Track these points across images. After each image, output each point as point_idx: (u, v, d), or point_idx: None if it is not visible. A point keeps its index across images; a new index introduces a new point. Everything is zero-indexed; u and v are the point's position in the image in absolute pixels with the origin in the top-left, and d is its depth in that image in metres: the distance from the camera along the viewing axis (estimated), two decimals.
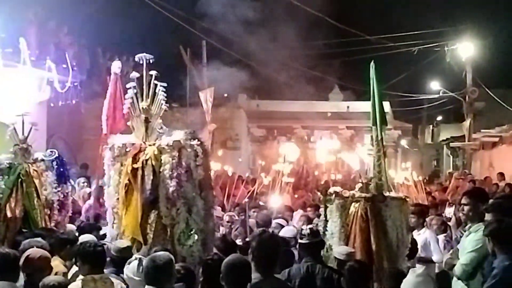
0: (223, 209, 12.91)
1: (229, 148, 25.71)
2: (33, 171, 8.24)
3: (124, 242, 6.61)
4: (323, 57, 30.17)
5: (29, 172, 8.18)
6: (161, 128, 7.38)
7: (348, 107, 31.26)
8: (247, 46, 25.62)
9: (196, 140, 7.21)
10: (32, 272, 5.82)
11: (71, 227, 8.50)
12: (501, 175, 15.88)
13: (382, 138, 8.20)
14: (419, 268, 4.97)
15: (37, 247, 6.12)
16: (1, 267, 5.56)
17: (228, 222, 10.82)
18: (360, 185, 7.57)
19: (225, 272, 5.06)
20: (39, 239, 6.59)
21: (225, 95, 26.08)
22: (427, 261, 9.29)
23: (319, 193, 8.50)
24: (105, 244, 6.73)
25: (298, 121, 31.12)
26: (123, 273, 6.07)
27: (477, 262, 6.40)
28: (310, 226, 7.43)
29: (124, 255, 6.14)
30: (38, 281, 5.76)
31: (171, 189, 6.97)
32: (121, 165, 7.26)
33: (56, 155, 8.80)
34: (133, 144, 7.27)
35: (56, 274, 5.77)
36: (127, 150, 7.24)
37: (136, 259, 5.84)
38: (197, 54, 25.15)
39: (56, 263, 6.16)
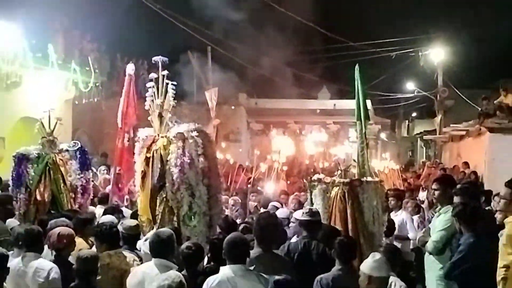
0: (227, 194, 12.90)
1: (231, 141, 25.66)
2: (59, 160, 8.20)
3: (133, 221, 6.58)
4: (313, 61, 30.27)
5: (56, 161, 8.14)
6: (172, 122, 7.36)
7: (334, 104, 31.29)
8: (247, 52, 25.72)
9: (196, 132, 7.18)
10: (62, 248, 5.85)
11: (92, 209, 8.50)
12: (467, 164, 15.92)
13: (365, 132, 8.22)
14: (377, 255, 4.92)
15: (63, 226, 6.12)
16: (27, 241, 5.60)
17: (233, 205, 10.81)
18: (339, 172, 7.61)
19: (227, 248, 5.10)
20: (64, 219, 6.59)
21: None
22: (404, 239, 9.33)
23: (305, 180, 8.54)
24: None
25: (291, 117, 31.15)
26: (135, 249, 6.12)
27: (446, 239, 6.46)
28: (309, 207, 7.46)
29: (132, 232, 6.13)
30: (66, 256, 5.83)
31: (175, 176, 6.91)
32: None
33: (79, 146, 8.77)
34: (152, 136, 7.27)
35: (80, 250, 5.74)
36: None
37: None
38: (203, 59, 25.14)
39: (80, 240, 6.15)
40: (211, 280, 4.92)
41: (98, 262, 5.23)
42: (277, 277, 4.74)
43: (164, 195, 7.06)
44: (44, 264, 5.50)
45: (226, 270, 4.99)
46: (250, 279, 4.91)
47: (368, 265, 4.95)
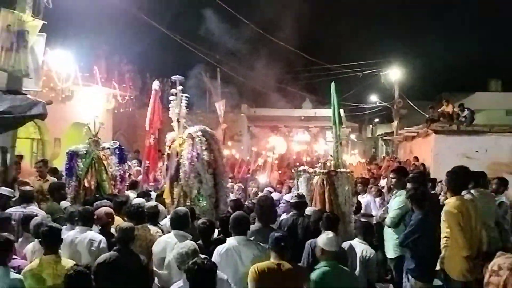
0: (232, 181, 12.89)
1: (235, 140, 25.61)
2: (102, 155, 8.17)
3: (153, 203, 6.56)
4: (298, 79, 30.35)
5: (99, 156, 8.11)
6: (186, 125, 7.40)
7: (315, 112, 31.25)
8: (247, 72, 25.88)
9: (201, 132, 7.18)
10: (106, 223, 5.89)
11: (127, 193, 8.48)
12: (417, 158, 15.92)
13: (339, 134, 8.22)
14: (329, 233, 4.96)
15: (106, 206, 6.14)
16: (82, 217, 5.61)
17: (237, 190, 10.81)
18: (319, 164, 7.62)
19: (232, 223, 5.09)
20: (106, 201, 6.59)
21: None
22: (368, 216, 9.30)
23: (293, 171, 8.55)
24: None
25: (282, 122, 31.13)
26: (157, 224, 6.13)
27: (401, 216, 6.48)
28: (297, 191, 7.48)
29: (152, 211, 6.08)
30: (109, 229, 5.85)
31: (186, 167, 6.98)
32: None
33: (118, 145, 8.76)
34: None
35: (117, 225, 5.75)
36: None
37: None
38: (214, 77, 25.20)
39: (117, 218, 6.13)
40: (220, 248, 4.93)
41: (134, 231, 5.21)
42: (276, 234, 4.70)
43: (179, 182, 7.09)
44: (96, 236, 5.51)
45: (231, 241, 4.98)
46: (250, 247, 4.89)
47: (322, 240, 4.81)
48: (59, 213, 6.47)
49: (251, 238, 5.15)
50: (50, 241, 4.66)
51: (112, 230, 5.85)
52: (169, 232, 5.57)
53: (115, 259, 4.80)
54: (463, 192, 5.89)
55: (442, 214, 5.53)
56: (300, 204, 6.45)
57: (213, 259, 4.75)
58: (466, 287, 5.20)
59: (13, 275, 4.35)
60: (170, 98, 7.53)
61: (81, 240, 5.42)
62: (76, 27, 15.57)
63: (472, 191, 6.36)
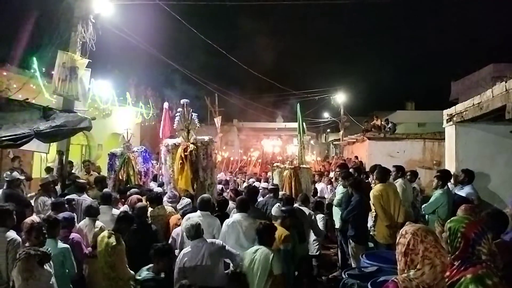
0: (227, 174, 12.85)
1: (229, 145, 25.67)
2: (132, 156, 8.18)
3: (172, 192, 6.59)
4: (274, 101, 30.52)
5: (130, 157, 8.12)
6: (194, 135, 7.37)
7: (285, 125, 31.49)
8: (237, 96, 25.95)
9: (212, 140, 7.22)
10: (135, 205, 5.75)
11: (151, 184, 8.45)
12: (357, 157, 16.01)
13: (302, 140, 8.32)
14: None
15: (136, 194, 6.10)
16: (107, 199, 5.76)
17: (234, 181, 10.80)
18: (288, 162, 7.68)
19: (238, 203, 5.13)
20: (136, 189, 6.56)
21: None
22: (322, 198, 9.40)
23: (269, 166, 8.59)
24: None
25: (262, 132, 31.23)
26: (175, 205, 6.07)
27: (344, 198, 6.48)
28: (272, 182, 7.56)
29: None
30: (137, 211, 5.72)
31: (204, 164, 7.01)
32: (172, 154, 7.15)
33: (144, 149, 8.74)
34: (179, 143, 7.19)
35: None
36: (177, 146, 7.16)
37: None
38: (214, 101, 25.22)
39: (144, 202, 6.08)
40: (228, 220, 4.93)
41: (147, 210, 5.30)
42: (282, 207, 5.10)
43: (196, 175, 7.03)
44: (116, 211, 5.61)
45: (236, 216, 4.97)
46: (249, 221, 4.86)
47: (273, 209, 5.19)
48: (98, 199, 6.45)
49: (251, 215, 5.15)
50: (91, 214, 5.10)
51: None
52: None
53: (136, 228, 4.89)
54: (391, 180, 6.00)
55: (370, 196, 5.63)
56: (274, 190, 6.51)
57: (222, 229, 4.84)
58: (389, 248, 5.26)
59: (61, 245, 4.30)
60: (176, 114, 7.54)
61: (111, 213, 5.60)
62: (113, 63, 15.46)
63: (391, 180, 6.45)
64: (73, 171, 8.59)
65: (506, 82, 4.94)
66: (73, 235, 4.80)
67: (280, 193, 6.65)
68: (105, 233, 4.46)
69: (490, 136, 6.58)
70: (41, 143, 6.66)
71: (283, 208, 5.14)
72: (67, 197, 6.11)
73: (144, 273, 3.99)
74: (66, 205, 5.52)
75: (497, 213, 3.09)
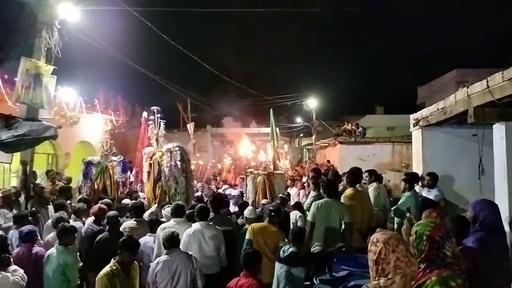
0: (200, 181, 12.73)
1: (202, 152, 25.40)
2: (110, 165, 7.99)
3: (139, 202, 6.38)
4: (247, 107, 30.59)
5: (107, 166, 7.94)
6: (164, 142, 7.26)
7: (259, 130, 31.55)
8: (210, 102, 25.86)
9: (177, 147, 7.11)
10: (99, 214, 5.50)
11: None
12: (329, 161, 16.24)
13: (276, 145, 8.35)
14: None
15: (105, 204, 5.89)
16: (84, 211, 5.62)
17: (202, 187, 10.65)
18: (262, 168, 7.68)
19: (197, 212, 5.05)
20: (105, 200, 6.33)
21: None
22: (297, 202, 9.41)
23: (243, 172, 8.57)
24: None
25: (235, 137, 31.16)
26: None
27: (315, 200, 6.49)
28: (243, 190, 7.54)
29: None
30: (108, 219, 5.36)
31: (166, 172, 6.87)
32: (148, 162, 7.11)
33: (122, 158, 8.49)
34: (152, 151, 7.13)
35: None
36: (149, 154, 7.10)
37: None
38: (186, 107, 25.05)
39: (114, 211, 5.83)
40: (189, 230, 4.86)
41: (118, 218, 5.23)
42: (270, 207, 5.16)
43: (160, 184, 6.94)
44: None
45: (196, 225, 4.92)
46: (210, 229, 4.86)
47: (246, 211, 5.45)
48: (65, 209, 6.20)
49: (210, 223, 5.12)
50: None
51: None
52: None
53: (107, 237, 4.82)
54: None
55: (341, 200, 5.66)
56: (282, 199, 6.69)
57: (183, 239, 4.73)
58: (363, 252, 5.28)
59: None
60: (149, 122, 7.42)
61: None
62: (80, 69, 15.02)
63: (363, 184, 6.53)
64: (37, 181, 8.23)
65: (467, 87, 5.13)
66: (37, 249, 4.59)
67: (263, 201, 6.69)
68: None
69: (454, 140, 6.83)
70: (3, 153, 6.38)
71: (271, 208, 5.17)
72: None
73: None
74: (30, 218, 5.29)
75: (459, 218, 3.17)
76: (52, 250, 4.35)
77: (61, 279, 4.15)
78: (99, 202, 6.07)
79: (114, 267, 3.78)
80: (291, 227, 5.71)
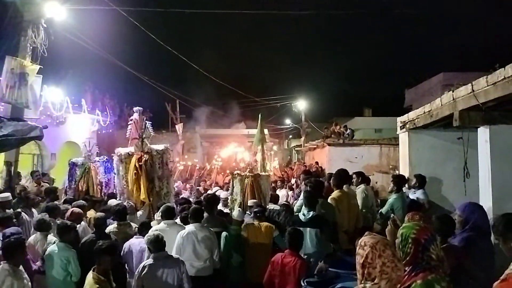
0: (189, 182, 12.64)
1: (191, 152, 25.22)
2: (93, 166, 7.90)
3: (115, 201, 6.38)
4: (237, 108, 30.60)
5: (90, 167, 7.85)
6: (149, 144, 7.14)
7: (248, 132, 31.53)
8: (199, 103, 25.81)
9: (168, 149, 7.05)
10: (74, 219, 5.19)
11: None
12: (317, 162, 16.29)
13: (264, 147, 8.36)
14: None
15: (79, 206, 5.78)
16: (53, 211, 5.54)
17: (190, 189, 10.59)
18: (249, 169, 7.66)
19: (191, 214, 5.08)
20: (79, 202, 6.14)
21: None
22: (285, 204, 9.41)
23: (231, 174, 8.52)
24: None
25: (225, 138, 31.07)
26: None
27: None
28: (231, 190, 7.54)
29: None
30: (95, 221, 5.17)
31: (159, 173, 6.84)
32: (126, 164, 6.91)
33: (105, 158, 8.42)
34: (132, 152, 6.94)
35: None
36: (130, 155, 6.92)
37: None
38: (174, 107, 24.96)
39: (102, 213, 5.63)
40: (182, 232, 4.85)
41: (106, 220, 5.23)
42: (256, 209, 5.47)
43: (152, 184, 6.83)
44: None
45: (190, 226, 4.92)
46: (203, 231, 4.86)
47: (235, 213, 5.52)
48: (57, 211, 6.06)
49: (204, 225, 5.09)
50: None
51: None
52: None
53: (93, 239, 4.68)
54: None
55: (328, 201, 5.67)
56: (286, 206, 6.71)
57: (176, 240, 4.70)
58: (350, 254, 5.28)
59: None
60: (129, 123, 7.34)
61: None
62: (67, 69, 14.86)
63: (350, 185, 6.53)
64: (20, 182, 8.09)
65: (453, 91, 5.20)
66: None
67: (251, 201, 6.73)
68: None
69: (440, 142, 6.91)
70: None
71: (255, 210, 5.47)
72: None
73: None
74: (14, 220, 5.19)
75: (445, 217, 3.24)
76: (53, 248, 4.38)
77: (64, 274, 4.23)
78: (72, 205, 5.93)
79: (96, 278, 3.66)
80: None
